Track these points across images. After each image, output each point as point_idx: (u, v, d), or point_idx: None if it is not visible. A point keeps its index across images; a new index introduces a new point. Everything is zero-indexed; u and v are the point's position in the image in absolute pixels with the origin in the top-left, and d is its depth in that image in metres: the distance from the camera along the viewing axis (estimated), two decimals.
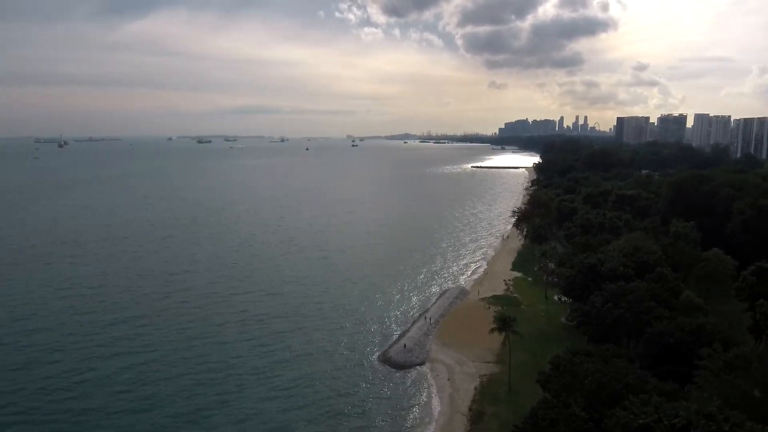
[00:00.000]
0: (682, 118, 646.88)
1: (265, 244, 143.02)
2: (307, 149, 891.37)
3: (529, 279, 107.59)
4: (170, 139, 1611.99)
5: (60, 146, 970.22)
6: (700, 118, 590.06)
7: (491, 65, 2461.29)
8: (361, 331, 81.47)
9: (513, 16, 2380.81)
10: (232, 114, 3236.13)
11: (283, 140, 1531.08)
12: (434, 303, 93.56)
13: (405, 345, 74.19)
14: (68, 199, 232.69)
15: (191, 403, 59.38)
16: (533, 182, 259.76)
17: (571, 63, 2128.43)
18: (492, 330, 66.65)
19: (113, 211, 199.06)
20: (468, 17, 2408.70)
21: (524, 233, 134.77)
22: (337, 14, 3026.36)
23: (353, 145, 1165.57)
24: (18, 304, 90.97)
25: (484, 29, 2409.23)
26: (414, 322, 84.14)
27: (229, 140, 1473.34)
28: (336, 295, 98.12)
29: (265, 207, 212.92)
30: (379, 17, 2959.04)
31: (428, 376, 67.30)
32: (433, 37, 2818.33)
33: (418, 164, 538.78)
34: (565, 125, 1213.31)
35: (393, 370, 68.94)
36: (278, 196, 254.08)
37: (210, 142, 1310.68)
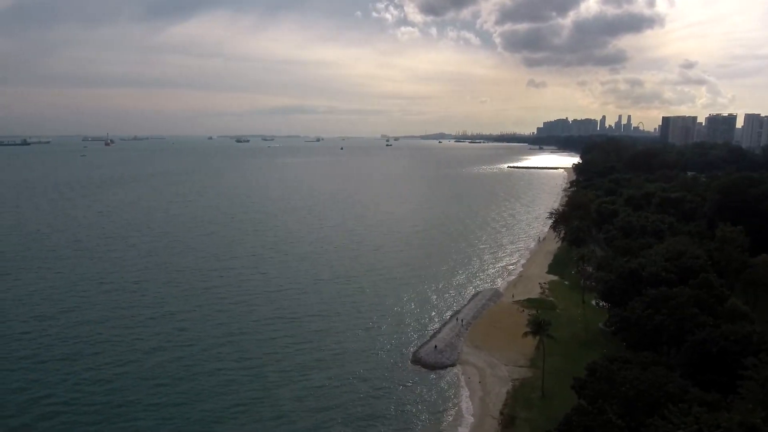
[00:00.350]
0: (731, 118, 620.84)
1: (301, 241, 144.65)
2: (342, 148, 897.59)
3: (566, 283, 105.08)
4: (211, 138, 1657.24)
5: (106, 144, 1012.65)
6: (750, 118, 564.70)
7: (530, 63, 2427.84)
8: (392, 331, 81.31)
9: (554, 13, 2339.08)
10: (269, 114, 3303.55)
11: (318, 140, 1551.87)
12: (466, 304, 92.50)
13: (436, 346, 73.60)
14: (113, 195, 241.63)
15: (226, 399, 60.38)
16: (572, 183, 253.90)
17: (615, 61, 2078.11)
18: (525, 333, 65.33)
19: (155, 207, 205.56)
20: (507, 15, 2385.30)
21: (561, 235, 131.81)
22: (374, 14, 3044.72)
23: (387, 145, 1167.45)
24: (64, 296, 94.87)
25: (523, 27, 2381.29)
26: (445, 323, 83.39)
27: (266, 139, 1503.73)
28: (369, 294, 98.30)
29: (301, 205, 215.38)
30: (416, 16, 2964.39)
31: (459, 378, 66.54)
32: (471, 36, 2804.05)
33: (453, 164, 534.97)
34: (607, 125, 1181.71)
35: (423, 370, 68.46)
36: (313, 194, 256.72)
37: (248, 141, 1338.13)
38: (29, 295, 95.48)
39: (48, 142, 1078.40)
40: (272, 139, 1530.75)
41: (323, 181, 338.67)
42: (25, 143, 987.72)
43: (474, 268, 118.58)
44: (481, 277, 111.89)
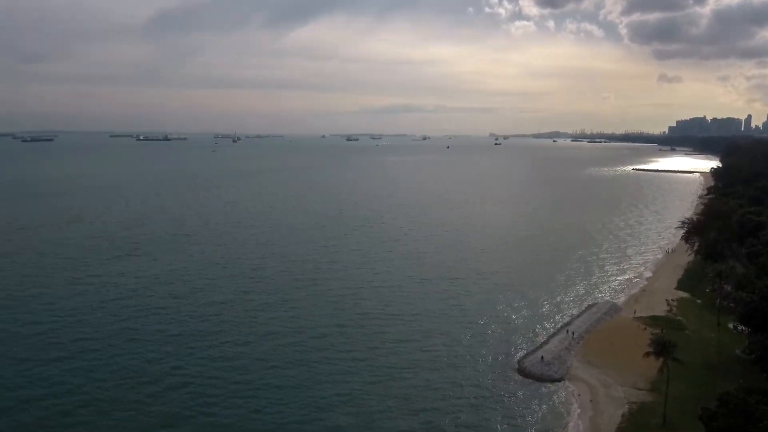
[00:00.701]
0: None
1: (406, 238, 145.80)
2: (448, 147, 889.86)
3: (698, 301, 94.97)
4: (323, 137, 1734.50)
5: (234, 141, 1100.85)
6: None
7: (661, 56, 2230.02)
8: (497, 337, 78.92)
9: (690, 1, 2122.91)
10: (377, 113, 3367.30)
11: (424, 138, 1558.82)
12: (578, 316, 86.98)
13: (542, 357, 70.09)
14: (239, 187, 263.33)
15: (332, 387, 62.24)
16: (710, 189, 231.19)
17: (763, 53, 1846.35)
18: (647, 354, 59.85)
19: (274, 199, 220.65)
20: (635, 4, 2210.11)
21: (695, 248, 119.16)
22: (486, 9, 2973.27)
23: (496, 144, 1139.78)
24: (194, 278, 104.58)
25: (654, 16, 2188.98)
26: (554, 335, 79.10)
27: (374, 138, 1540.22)
28: (474, 297, 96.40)
29: (406, 202, 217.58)
30: (532, 9, 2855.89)
31: (567, 394, 62.81)
32: (593, 28, 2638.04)
33: (569, 165, 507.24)
34: (753, 125, 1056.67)
35: (528, 381, 65.55)
36: (418, 192, 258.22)
37: (358, 139, 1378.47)
38: (166, 274, 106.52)
39: (185, 139, 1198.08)
40: (380, 138, 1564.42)
41: (428, 179, 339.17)
42: (166, 139, 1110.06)
43: (591, 277, 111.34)
44: (599, 288, 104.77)
